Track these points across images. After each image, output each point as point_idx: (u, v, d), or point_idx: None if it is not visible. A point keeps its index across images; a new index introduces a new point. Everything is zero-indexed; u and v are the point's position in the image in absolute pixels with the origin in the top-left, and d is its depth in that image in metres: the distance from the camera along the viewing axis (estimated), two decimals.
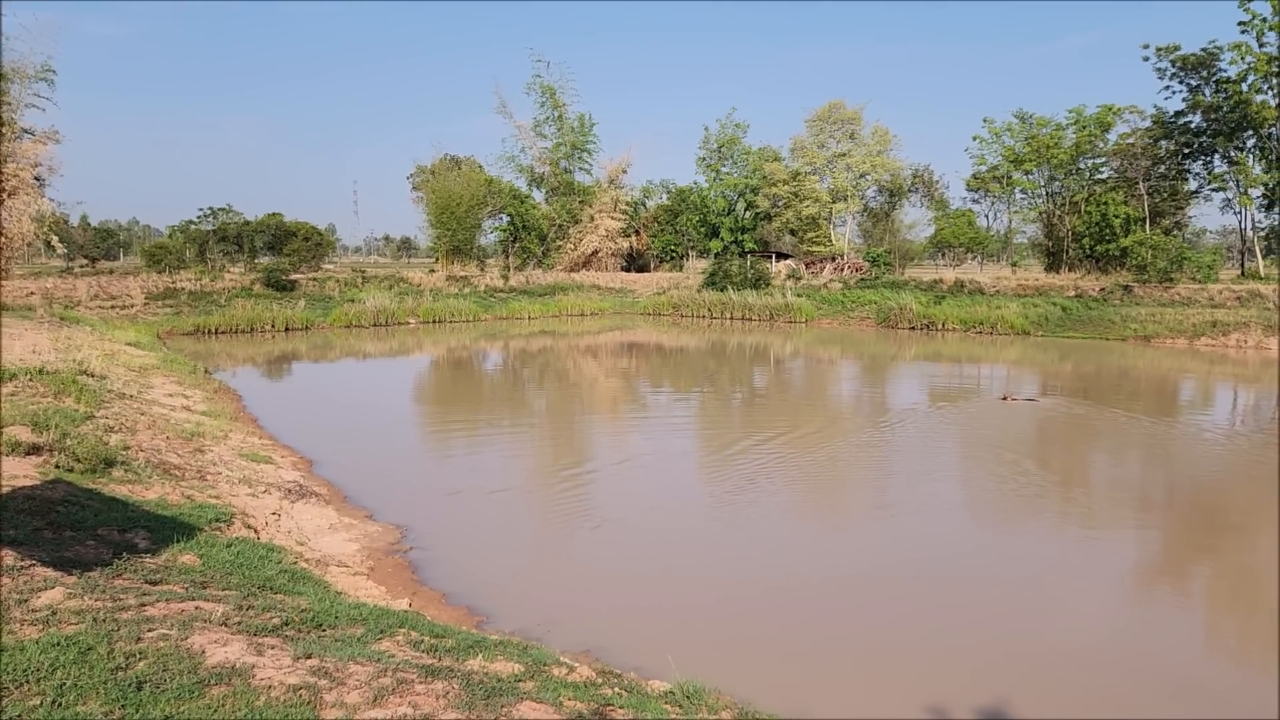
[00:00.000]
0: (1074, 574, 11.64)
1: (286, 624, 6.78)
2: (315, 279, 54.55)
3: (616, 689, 6.73)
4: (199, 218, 66.76)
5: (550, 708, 5.73)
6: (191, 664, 5.40)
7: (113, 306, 44.64)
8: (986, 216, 69.75)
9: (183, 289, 48.41)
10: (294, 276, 53.56)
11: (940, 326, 47.68)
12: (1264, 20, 47.45)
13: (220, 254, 64.07)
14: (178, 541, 8.94)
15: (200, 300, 47.50)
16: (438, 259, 68.09)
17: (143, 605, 6.51)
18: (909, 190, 73.12)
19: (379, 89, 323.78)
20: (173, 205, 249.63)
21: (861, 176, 67.77)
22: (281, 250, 64.28)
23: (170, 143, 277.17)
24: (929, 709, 7.75)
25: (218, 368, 30.62)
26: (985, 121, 63.33)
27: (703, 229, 74.33)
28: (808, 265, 64.87)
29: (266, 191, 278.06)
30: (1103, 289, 47.73)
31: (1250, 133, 50.97)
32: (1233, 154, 52.31)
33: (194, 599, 6.97)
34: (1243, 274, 54.18)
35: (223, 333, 43.50)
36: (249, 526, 10.84)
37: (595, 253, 71.57)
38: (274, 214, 68.01)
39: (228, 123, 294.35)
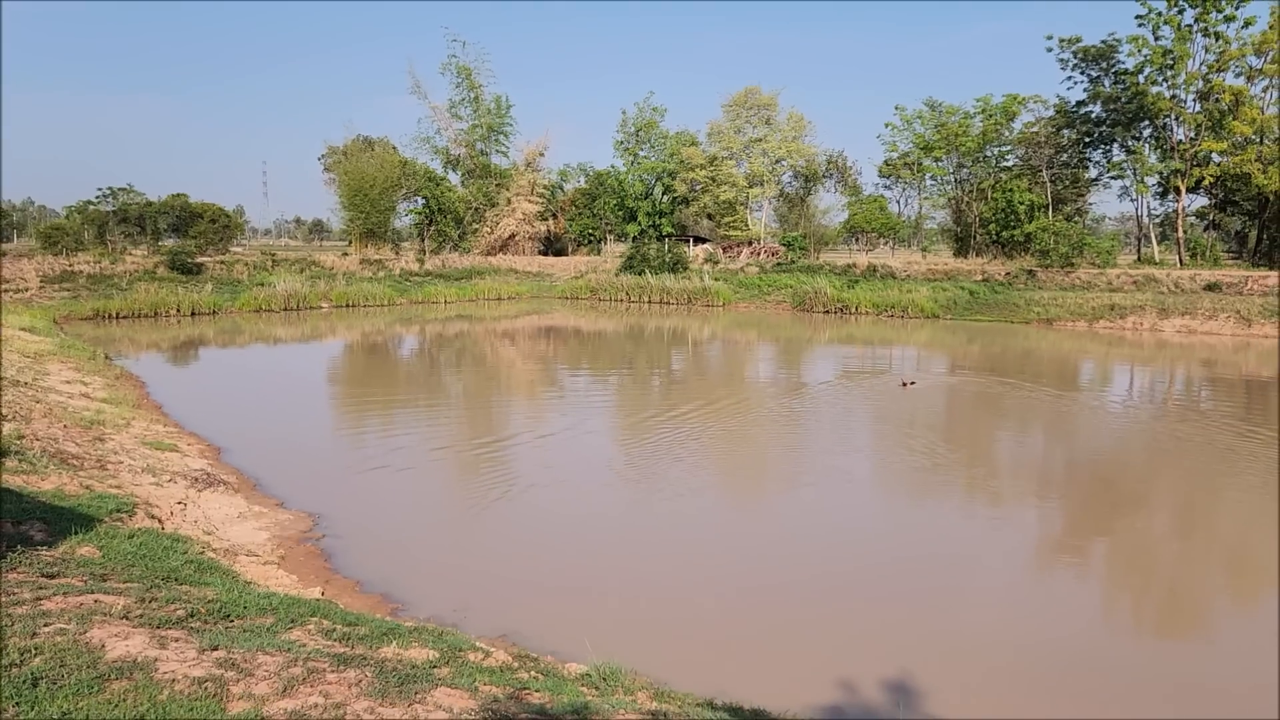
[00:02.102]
0: (981, 548, 12.05)
1: (192, 615, 6.62)
2: (223, 262, 52.84)
3: (533, 672, 6.75)
4: (98, 198, 63.77)
5: (465, 693, 5.71)
6: (90, 659, 5.23)
7: (5, 290, 42.58)
8: (898, 202, 71.27)
9: (81, 272, 46.45)
10: (200, 259, 51.75)
11: (854, 310, 48.59)
12: (1159, 15, 49.32)
13: (121, 236, 61.34)
14: (76, 533, 8.65)
15: (100, 284, 45.64)
16: (351, 242, 66.64)
17: (38, 599, 6.29)
18: (823, 176, 74.16)
19: (289, 66, 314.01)
20: (69, 185, 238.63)
21: (777, 162, 68.55)
22: (187, 232, 61.89)
23: (66, 120, 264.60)
24: (841, 685, 7.94)
25: (119, 353, 29.53)
26: (897, 109, 64.62)
27: (620, 213, 74.17)
28: (725, 249, 65.41)
29: (171, 171, 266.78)
30: (1008, 273, 49.22)
31: (1146, 123, 53.07)
32: (1130, 143, 54.44)
33: (93, 592, 6.75)
34: (1139, 259, 56.54)
35: (124, 317, 41.90)
36: (153, 517, 10.52)
37: (512, 236, 70.82)
38: (179, 195, 65.33)
39: (129, 100, 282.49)
